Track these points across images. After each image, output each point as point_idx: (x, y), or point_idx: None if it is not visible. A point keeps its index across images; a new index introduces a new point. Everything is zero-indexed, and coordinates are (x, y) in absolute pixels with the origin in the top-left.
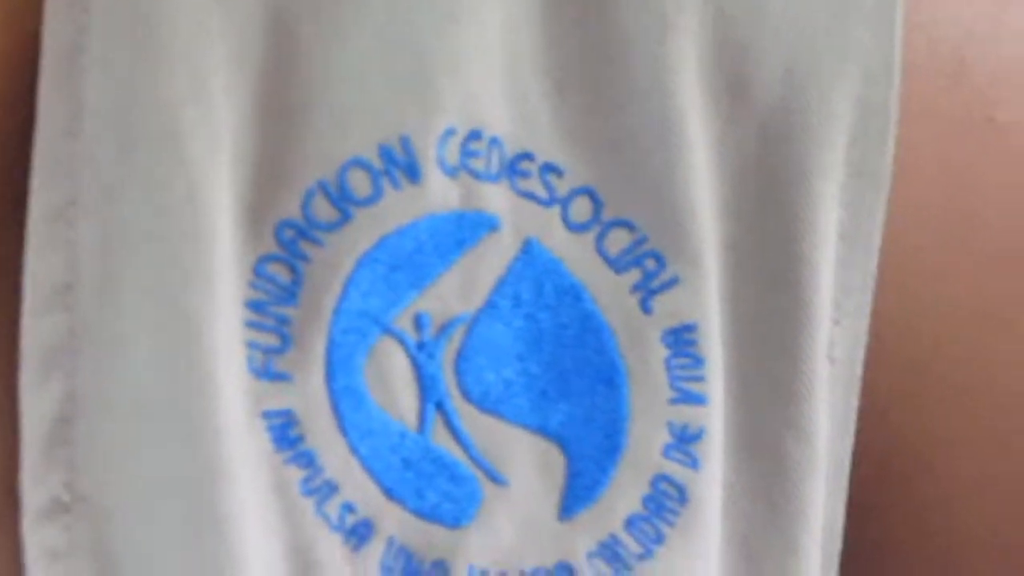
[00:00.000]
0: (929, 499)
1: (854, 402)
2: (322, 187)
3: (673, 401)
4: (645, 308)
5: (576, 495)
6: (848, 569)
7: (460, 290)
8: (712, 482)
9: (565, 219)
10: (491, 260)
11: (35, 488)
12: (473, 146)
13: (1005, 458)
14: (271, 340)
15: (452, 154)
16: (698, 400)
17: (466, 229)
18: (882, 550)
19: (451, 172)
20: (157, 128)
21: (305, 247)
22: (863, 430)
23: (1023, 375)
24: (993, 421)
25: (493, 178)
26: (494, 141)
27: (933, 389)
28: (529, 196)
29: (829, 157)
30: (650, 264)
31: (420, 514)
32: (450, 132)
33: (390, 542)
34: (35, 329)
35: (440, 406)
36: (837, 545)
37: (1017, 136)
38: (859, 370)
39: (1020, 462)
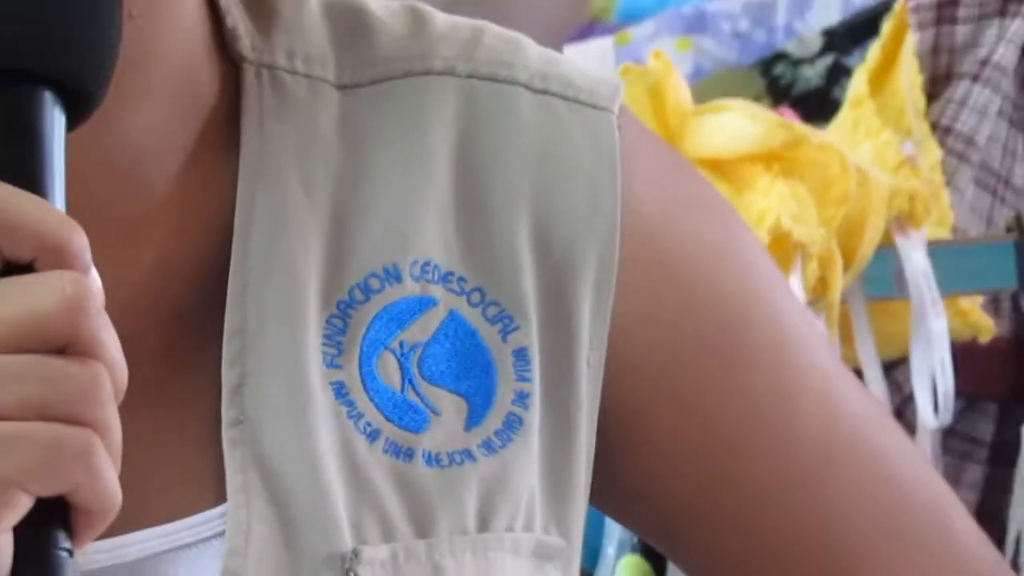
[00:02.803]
0: (637, 437)
1: (599, 389)
2: (357, 286)
3: (516, 380)
4: (504, 340)
5: (472, 421)
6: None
7: (420, 331)
8: (535, 419)
9: (468, 301)
10: (434, 318)
11: (227, 413)
12: (427, 268)
13: (682, 417)
14: (333, 351)
15: (416, 271)
16: (528, 380)
17: (423, 305)
18: (622, 475)
19: (416, 279)
20: (282, 266)
21: (350, 311)
22: (604, 403)
23: (686, 386)
24: (693, 389)
25: (436, 283)
26: (436, 266)
27: (640, 381)
28: (452, 291)
29: (585, 282)
30: (507, 321)
31: (400, 427)
32: (415, 261)
33: (387, 439)
34: (229, 346)
35: (411, 382)
36: (591, 458)
37: (689, 282)
38: (602, 372)
39: (695, 418)
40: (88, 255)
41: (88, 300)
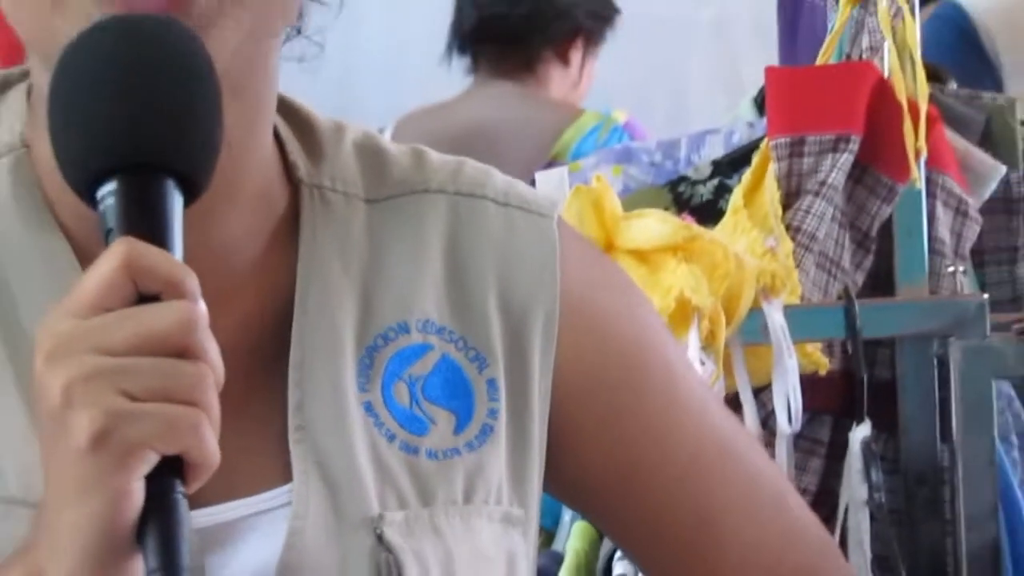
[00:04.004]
0: (578, 441)
1: (547, 407)
2: (379, 336)
3: (489, 401)
4: (480, 373)
5: (458, 428)
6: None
7: (422, 367)
8: (502, 428)
9: (455, 347)
10: (432, 358)
11: (292, 422)
12: (427, 324)
13: (599, 427)
14: (363, 380)
15: (419, 326)
16: (496, 400)
17: (424, 349)
18: (566, 468)
19: (420, 331)
20: (328, 323)
21: (374, 353)
22: (550, 417)
23: (602, 406)
24: (608, 410)
25: (432, 334)
26: (432, 323)
27: (572, 402)
28: (444, 339)
29: (535, 335)
30: (482, 360)
31: (409, 432)
32: (419, 320)
33: (401, 441)
34: (293, 375)
35: (416, 402)
36: (543, 454)
37: (604, 337)
38: (549, 398)
39: (608, 428)
40: (198, 291)
41: (197, 320)
